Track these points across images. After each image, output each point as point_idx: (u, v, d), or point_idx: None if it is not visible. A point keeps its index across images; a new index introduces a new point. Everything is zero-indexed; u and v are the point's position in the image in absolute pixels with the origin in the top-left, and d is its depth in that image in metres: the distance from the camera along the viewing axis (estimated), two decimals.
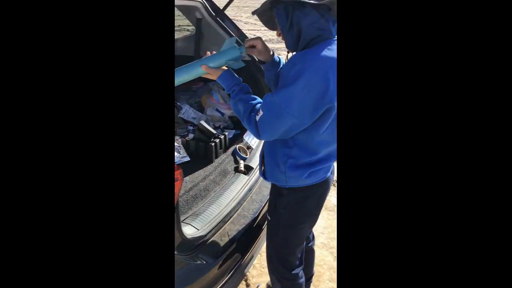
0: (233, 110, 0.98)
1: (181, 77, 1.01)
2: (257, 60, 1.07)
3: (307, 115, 0.84)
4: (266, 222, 1.18)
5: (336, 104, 0.86)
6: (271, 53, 1.04)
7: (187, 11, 2.16)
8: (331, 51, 0.83)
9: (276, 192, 1.09)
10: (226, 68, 1.00)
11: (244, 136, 1.84)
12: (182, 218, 1.18)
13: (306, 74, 0.80)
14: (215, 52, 1.03)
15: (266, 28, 1.00)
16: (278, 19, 0.90)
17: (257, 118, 0.88)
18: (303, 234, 1.13)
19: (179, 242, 1.04)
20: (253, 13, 0.96)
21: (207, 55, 1.02)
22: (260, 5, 0.92)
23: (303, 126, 0.87)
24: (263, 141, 1.67)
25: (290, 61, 0.87)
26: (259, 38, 1.01)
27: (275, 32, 0.96)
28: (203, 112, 2.08)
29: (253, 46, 1.01)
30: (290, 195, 1.04)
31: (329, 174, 1.05)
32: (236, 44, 1.01)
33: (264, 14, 0.97)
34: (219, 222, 1.25)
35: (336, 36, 0.90)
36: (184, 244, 1.07)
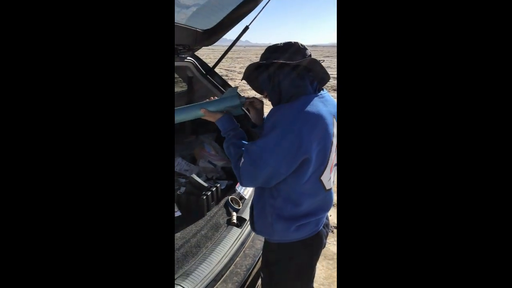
0: (226, 153, 1.02)
1: (180, 116, 1.06)
2: (251, 119, 1.14)
3: (282, 165, 0.87)
4: (260, 280, 1.14)
5: (314, 156, 0.88)
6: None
7: (179, 70, 2.30)
8: (305, 106, 0.89)
9: (266, 247, 1.08)
10: (226, 113, 1.06)
11: (236, 187, 1.84)
12: None
13: (279, 126, 0.86)
14: (216, 98, 1.09)
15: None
16: (262, 82, 0.99)
17: (240, 164, 0.92)
18: None
19: None
20: (242, 79, 1.05)
21: (210, 100, 1.08)
22: (249, 65, 1.01)
23: (281, 176, 0.89)
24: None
25: (268, 113, 0.94)
26: (262, 102, 1.10)
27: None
28: (195, 164, 2.11)
29: (252, 104, 1.08)
30: (280, 250, 1.02)
31: (320, 227, 1.03)
32: (237, 93, 1.08)
33: (251, 80, 1.06)
34: (211, 281, 1.20)
35: (312, 92, 0.96)
36: None
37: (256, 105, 1.09)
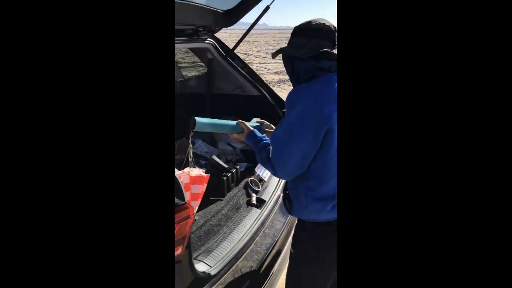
0: (259, 162, 1.10)
1: (217, 126, 1.20)
2: None
3: (308, 138, 0.91)
4: (288, 256, 1.17)
5: (335, 126, 0.91)
6: None
7: (199, 52, 2.30)
8: (320, 82, 0.94)
9: (299, 226, 1.11)
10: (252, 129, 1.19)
11: (256, 169, 1.86)
12: (194, 255, 1.18)
13: (299, 102, 0.92)
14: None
15: (276, 61, 1.16)
16: (285, 66, 1.06)
17: (270, 155, 0.97)
18: (329, 274, 1.10)
19: (191, 280, 1.04)
20: (273, 56, 1.11)
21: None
22: (275, 51, 1.07)
23: (311, 153, 0.94)
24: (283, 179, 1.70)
25: (287, 97, 0.99)
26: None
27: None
28: (215, 146, 2.14)
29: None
30: (314, 230, 1.04)
31: None
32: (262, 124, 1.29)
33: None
34: (232, 259, 1.24)
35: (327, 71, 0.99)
36: (197, 282, 1.07)
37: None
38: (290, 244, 1.20)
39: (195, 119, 1.14)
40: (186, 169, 1.27)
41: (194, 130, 1.15)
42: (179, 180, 1.08)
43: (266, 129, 1.28)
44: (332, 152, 0.95)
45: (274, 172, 0.99)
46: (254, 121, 1.30)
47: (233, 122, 1.21)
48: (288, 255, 1.37)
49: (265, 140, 1.09)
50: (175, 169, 1.30)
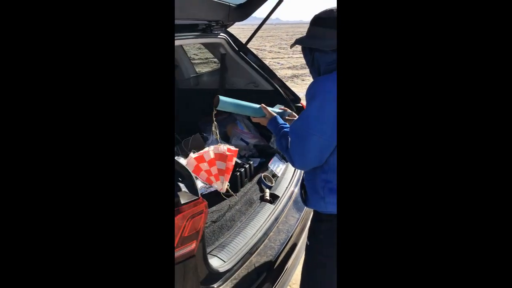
0: (279, 149, 1.11)
1: (241, 105, 1.21)
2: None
3: (328, 131, 0.90)
4: (303, 251, 1.17)
5: None
6: None
7: (212, 47, 2.29)
8: None
9: (316, 218, 1.11)
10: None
11: (269, 165, 1.85)
12: (208, 250, 1.19)
13: (319, 94, 0.91)
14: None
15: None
16: (304, 57, 1.04)
17: (289, 145, 0.98)
18: None
19: (205, 274, 1.04)
20: (291, 46, 1.10)
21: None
22: (294, 41, 1.06)
23: (330, 145, 0.93)
24: (294, 169, 1.71)
25: (307, 89, 0.97)
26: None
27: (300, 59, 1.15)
28: (228, 141, 2.14)
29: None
30: (331, 221, 1.04)
31: None
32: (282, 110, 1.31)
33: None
34: (246, 254, 1.24)
35: None
36: (211, 277, 1.07)
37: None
38: (305, 238, 1.19)
39: (218, 97, 1.16)
40: (212, 147, 1.34)
41: (217, 108, 1.18)
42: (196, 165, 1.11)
43: (288, 117, 1.28)
44: None
45: (292, 163, 0.99)
46: (277, 108, 1.29)
47: (256, 105, 1.22)
48: (303, 250, 1.35)
49: (286, 127, 1.10)
50: (193, 152, 1.34)
